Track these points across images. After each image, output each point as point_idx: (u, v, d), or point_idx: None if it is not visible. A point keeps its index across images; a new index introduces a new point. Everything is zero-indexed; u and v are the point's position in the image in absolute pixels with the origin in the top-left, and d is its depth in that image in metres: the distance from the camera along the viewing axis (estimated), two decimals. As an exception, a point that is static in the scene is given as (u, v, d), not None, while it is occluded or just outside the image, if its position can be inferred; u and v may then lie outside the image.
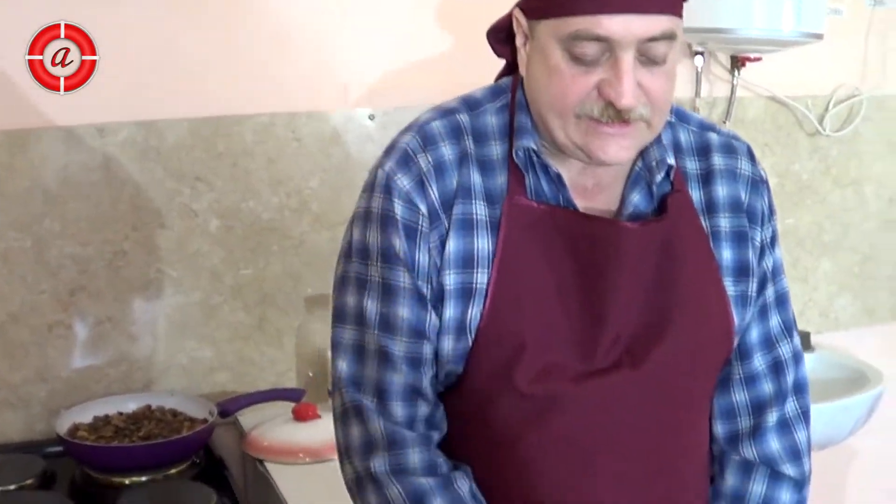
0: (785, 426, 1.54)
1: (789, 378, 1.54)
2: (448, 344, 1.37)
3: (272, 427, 2.28)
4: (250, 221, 2.44)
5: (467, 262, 1.36)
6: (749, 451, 1.53)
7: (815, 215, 3.13)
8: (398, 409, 1.39)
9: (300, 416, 2.27)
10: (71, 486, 2.15)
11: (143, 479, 2.13)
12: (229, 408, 2.33)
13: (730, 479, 1.53)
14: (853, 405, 2.63)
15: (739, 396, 1.54)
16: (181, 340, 2.44)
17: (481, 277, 1.36)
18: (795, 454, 1.54)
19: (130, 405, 2.32)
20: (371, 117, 2.52)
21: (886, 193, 3.23)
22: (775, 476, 1.52)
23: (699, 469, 1.52)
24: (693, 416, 1.50)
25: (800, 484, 1.54)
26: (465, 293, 1.36)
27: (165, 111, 2.34)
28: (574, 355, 1.37)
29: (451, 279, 1.36)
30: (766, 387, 1.53)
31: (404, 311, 1.37)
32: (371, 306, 1.38)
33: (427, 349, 1.38)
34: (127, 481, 2.11)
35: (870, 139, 3.16)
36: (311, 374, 2.44)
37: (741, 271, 1.47)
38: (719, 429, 1.55)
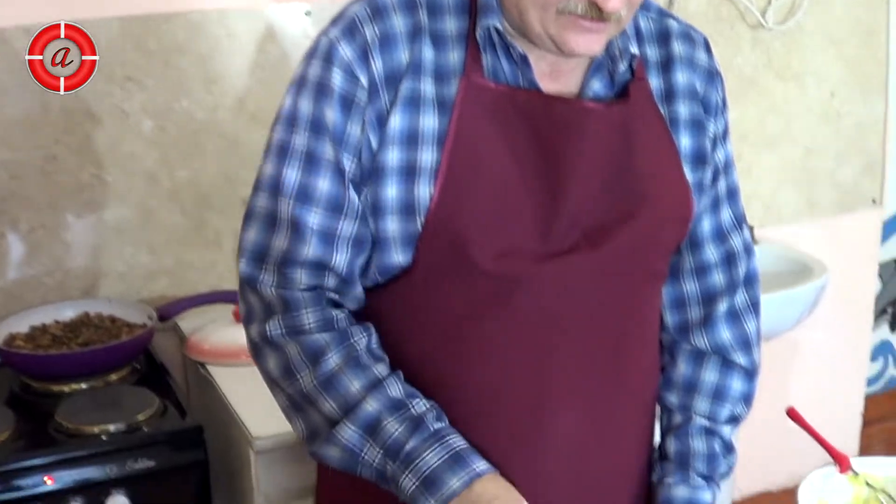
0: (735, 317, 1.54)
1: (741, 270, 1.54)
2: (393, 225, 1.34)
3: (213, 330, 2.26)
4: (184, 122, 2.39)
5: (412, 139, 1.33)
6: (700, 341, 1.53)
7: (759, 108, 3.12)
8: (302, 277, 1.36)
9: (241, 317, 2.25)
10: (10, 396, 2.13)
11: (84, 385, 2.11)
12: (169, 312, 2.30)
13: (682, 367, 1.53)
14: (797, 296, 2.67)
15: (690, 286, 1.53)
16: (118, 246, 2.39)
17: (426, 156, 1.33)
18: (746, 344, 1.54)
19: (68, 313, 2.29)
20: (307, 13, 2.46)
21: (828, 87, 3.23)
22: (727, 365, 1.53)
23: (651, 355, 1.52)
24: (648, 302, 1.49)
25: (750, 373, 1.55)
26: (409, 171, 1.33)
27: (94, 10, 2.26)
28: (532, 237, 1.34)
29: (393, 156, 1.33)
30: (718, 278, 1.53)
31: (325, 184, 1.33)
32: (290, 174, 1.34)
33: (344, 227, 1.34)
34: (67, 388, 2.10)
35: (812, 32, 3.14)
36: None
37: (699, 159, 1.46)
38: (669, 318, 1.55)
